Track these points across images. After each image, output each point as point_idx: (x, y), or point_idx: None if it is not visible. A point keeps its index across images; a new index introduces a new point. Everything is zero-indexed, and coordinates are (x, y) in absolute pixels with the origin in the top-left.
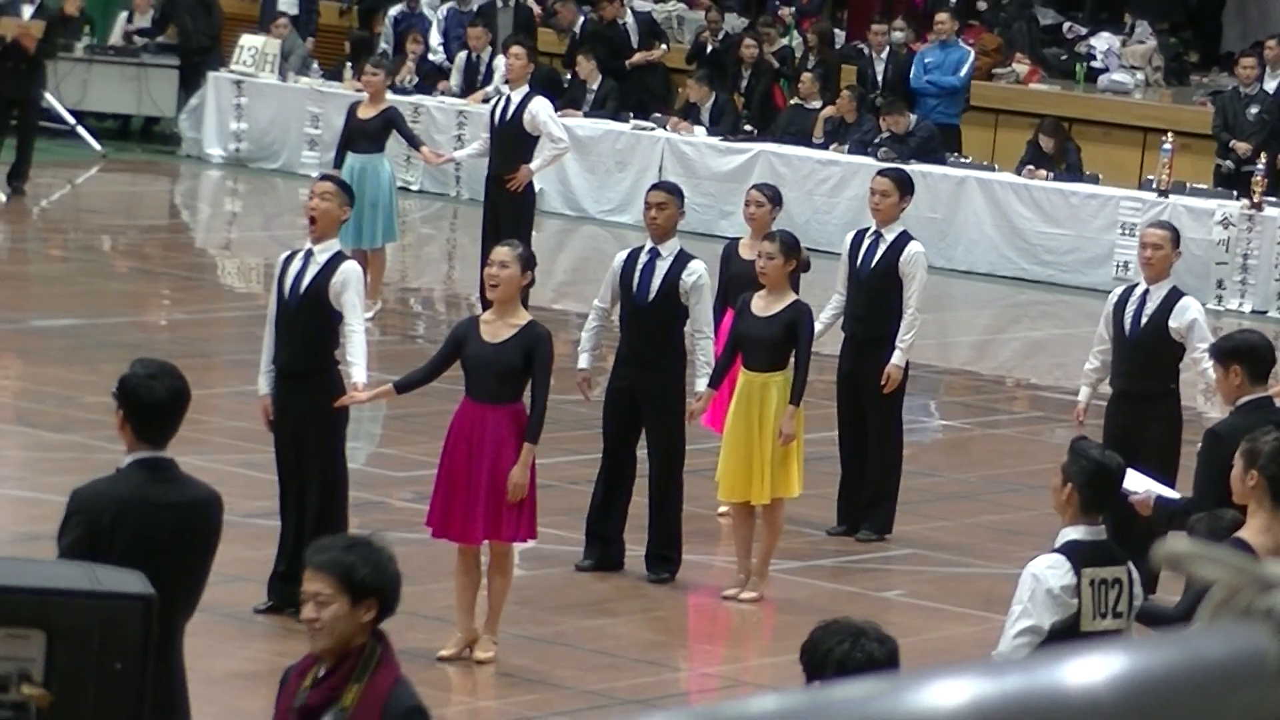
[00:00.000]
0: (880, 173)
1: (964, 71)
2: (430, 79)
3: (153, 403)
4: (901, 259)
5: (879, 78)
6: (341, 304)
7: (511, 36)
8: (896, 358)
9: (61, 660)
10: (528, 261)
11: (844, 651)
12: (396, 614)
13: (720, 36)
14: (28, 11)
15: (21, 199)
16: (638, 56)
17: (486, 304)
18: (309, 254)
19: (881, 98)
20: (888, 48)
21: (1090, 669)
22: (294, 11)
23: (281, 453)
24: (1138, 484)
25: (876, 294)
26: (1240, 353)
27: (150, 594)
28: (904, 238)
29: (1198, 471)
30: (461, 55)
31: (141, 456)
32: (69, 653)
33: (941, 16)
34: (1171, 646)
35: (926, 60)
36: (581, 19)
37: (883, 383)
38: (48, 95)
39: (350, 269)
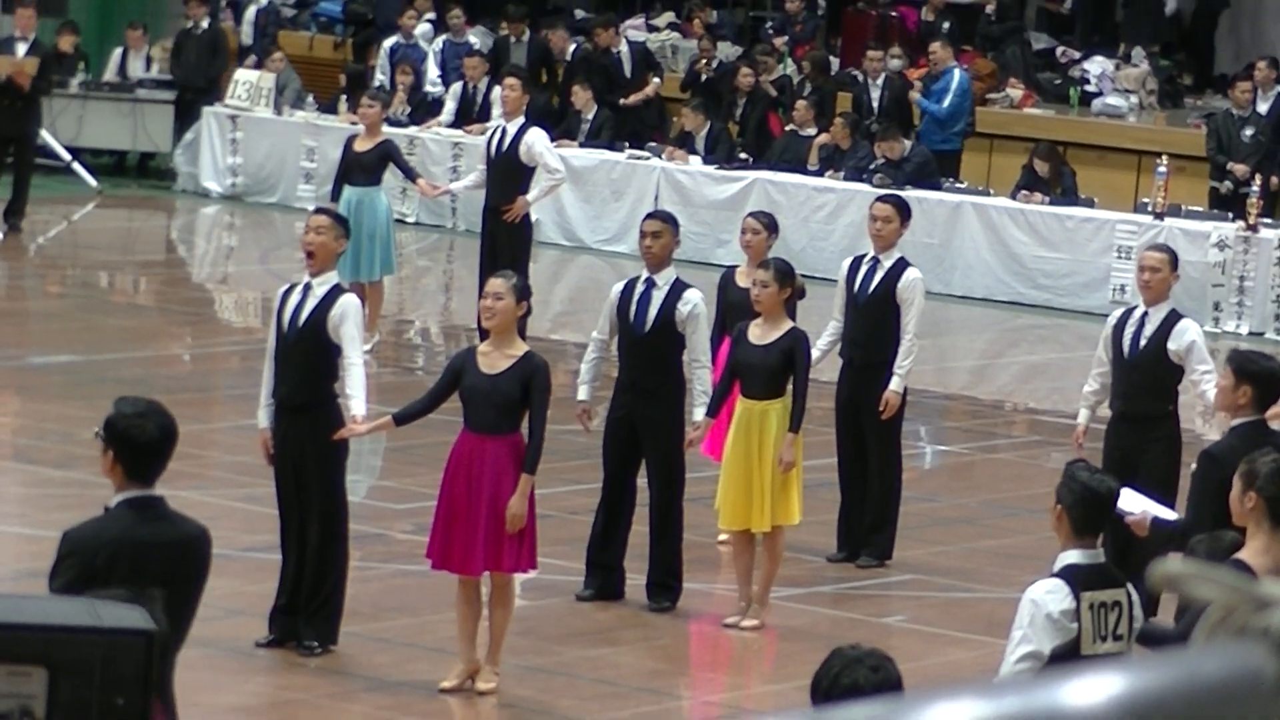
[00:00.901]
0: (880, 199)
1: (947, 101)
2: (420, 110)
3: (145, 441)
4: (899, 285)
5: (875, 104)
6: (340, 336)
7: (507, 67)
8: (895, 384)
9: (64, 696)
10: (522, 292)
11: (833, 678)
12: (398, 647)
13: (714, 65)
14: (22, 49)
15: (18, 236)
16: (633, 98)
17: (484, 335)
18: (307, 287)
19: (877, 124)
20: (883, 74)
21: (1088, 689)
22: (249, 41)
23: (282, 486)
24: (1134, 504)
25: (875, 320)
26: (1260, 377)
27: (151, 629)
28: (901, 264)
29: (1192, 492)
30: (457, 86)
31: (132, 495)
32: (71, 689)
33: (935, 46)
34: (1169, 666)
35: (933, 87)
36: (574, 46)
37: (881, 408)
38: (43, 132)
39: (348, 302)
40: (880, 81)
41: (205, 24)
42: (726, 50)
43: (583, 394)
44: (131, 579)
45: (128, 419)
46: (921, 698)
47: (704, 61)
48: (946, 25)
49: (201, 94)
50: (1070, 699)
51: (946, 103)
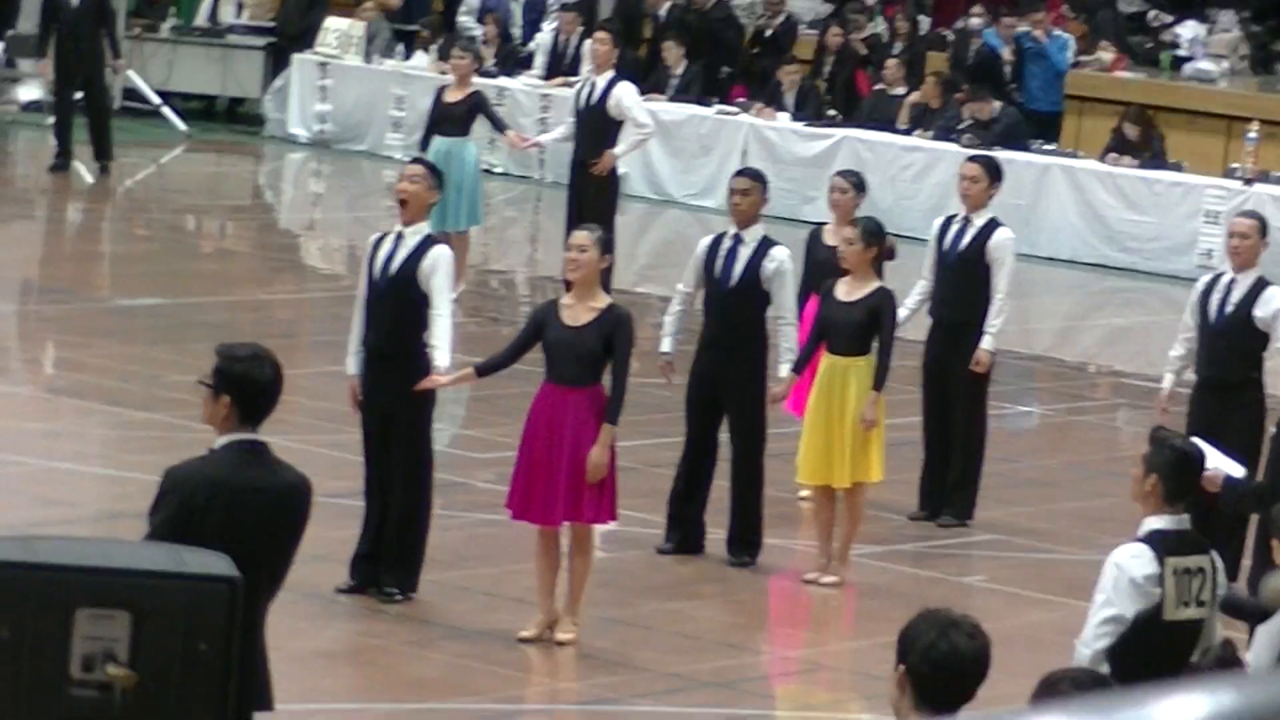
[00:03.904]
0: (970, 159)
1: (1066, 58)
2: (509, 61)
3: (264, 382)
4: (990, 244)
5: (1008, 68)
6: (430, 287)
7: (600, 22)
8: (986, 342)
9: (147, 641)
10: (606, 245)
11: (930, 640)
12: (478, 596)
13: (781, 20)
14: None
15: (107, 178)
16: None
17: (569, 286)
18: (399, 237)
19: (1012, 86)
20: (1014, 38)
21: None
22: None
23: (368, 433)
24: (1207, 460)
25: (964, 279)
26: None
27: (236, 576)
28: (992, 224)
29: (1271, 457)
30: (547, 38)
31: (238, 438)
32: (155, 634)
33: (1038, 17)
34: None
35: (1025, 46)
36: (668, 4)
37: (973, 366)
38: (133, 75)
39: (440, 253)
40: (1013, 47)
41: None
42: (818, 8)
43: (665, 346)
44: (229, 521)
45: (244, 362)
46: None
47: (768, 15)
48: None
49: (294, 42)
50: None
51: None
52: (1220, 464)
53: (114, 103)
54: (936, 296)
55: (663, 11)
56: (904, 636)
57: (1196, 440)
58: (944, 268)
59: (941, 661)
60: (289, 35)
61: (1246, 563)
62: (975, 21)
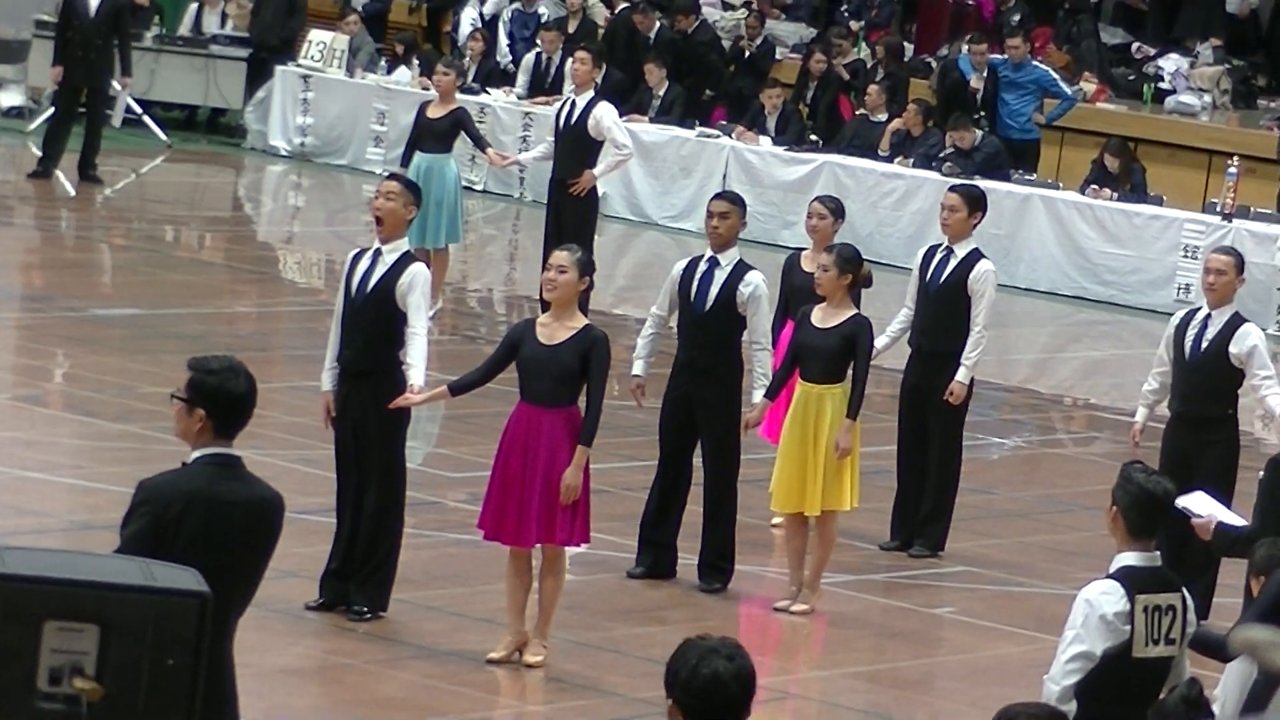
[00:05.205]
0: (952, 189)
1: (1063, 102)
2: (493, 79)
3: (239, 395)
4: (971, 276)
5: (978, 96)
6: (407, 305)
7: (579, 42)
8: (962, 374)
9: (115, 655)
10: (586, 267)
11: (690, 669)
12: (448, 616)
13: (759, 42)
14: (94, 1)
15: (92, 186)
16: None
17: (546, 306)
18: (377, 253)
19: (980, 115)
20: (987, 68)
21: None
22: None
23: (341, 450)
24: (1201, 506)
25: (944, 309)
26: None
27: (205, 591)
28: (975, 255)
29: (1259, 499)
30: (529, 57)
31: (213, 452)
32: (122, 647)
33: (1015, 41)
34: None
35: (1001, 74)
36: (657, 25)
37: (947, 396)
38: (115, 84)
39: (418, 271)
40: (984, 74)
41: None
42: (801, 32)
43: (637, 369)
44: (202, 535)
45: (218, 375)
46: None
47: (746, 38)
48: (1017, 18)
49: (275, 53)
50: None
51: (1059, 103)
52: (1215, 511)
53: (115, 120)
54: (916, 325)
55: (652, 34)
56: (668, 671)
57: (1172, 484)
58: (925, 297)
59: (703, 689)
60: (268, 47)
61: (1218, 600)
62: (996, 58)
